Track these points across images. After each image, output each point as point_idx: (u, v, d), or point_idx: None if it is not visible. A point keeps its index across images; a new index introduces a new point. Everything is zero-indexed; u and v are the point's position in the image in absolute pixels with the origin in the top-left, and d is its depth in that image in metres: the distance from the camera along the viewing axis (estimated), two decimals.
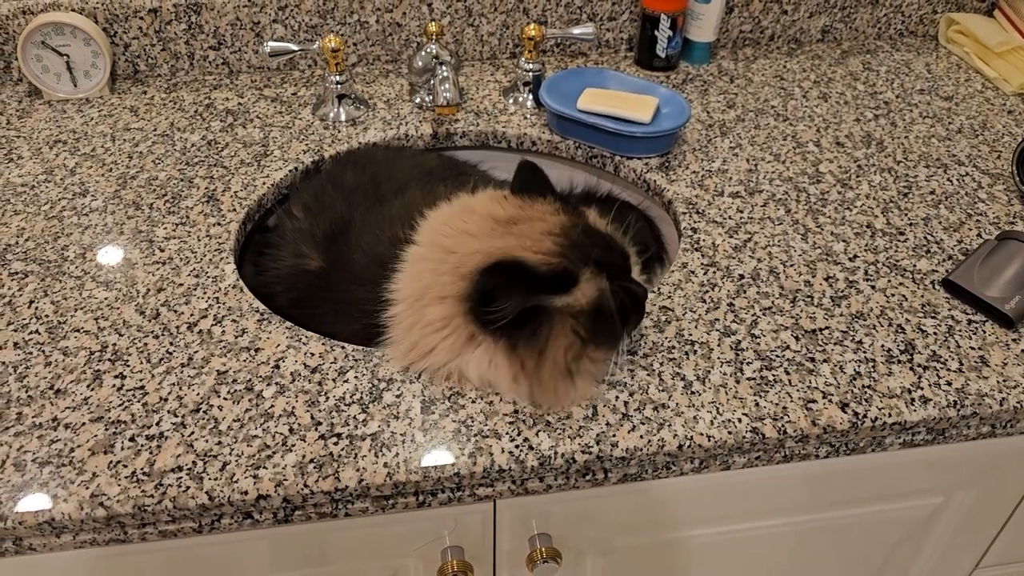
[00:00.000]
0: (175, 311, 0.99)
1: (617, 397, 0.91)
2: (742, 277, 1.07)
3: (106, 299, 1.00)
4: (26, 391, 0.89)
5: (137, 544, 0.84)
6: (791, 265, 1.10)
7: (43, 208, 1.14)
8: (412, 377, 0.92)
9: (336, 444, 0.86)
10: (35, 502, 0.79)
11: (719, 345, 0.98)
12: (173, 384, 0.91)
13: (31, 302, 1.00)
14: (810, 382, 0.94)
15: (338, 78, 1.32)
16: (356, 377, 0.92)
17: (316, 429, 0.87)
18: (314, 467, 0.83)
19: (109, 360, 0.93)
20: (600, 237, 0.90)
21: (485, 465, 0.84)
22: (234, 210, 1.14)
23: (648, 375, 0.94)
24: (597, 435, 0.87)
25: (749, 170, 1.27)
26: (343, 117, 1.33)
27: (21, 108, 1.35)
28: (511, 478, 0.87)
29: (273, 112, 1.35)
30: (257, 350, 0.95)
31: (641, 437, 0.87)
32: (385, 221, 1.02)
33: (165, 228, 1.11)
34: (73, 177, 1.19)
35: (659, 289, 1.05)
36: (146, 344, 0.95)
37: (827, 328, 1.01)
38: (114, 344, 0.95)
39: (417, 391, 0.91)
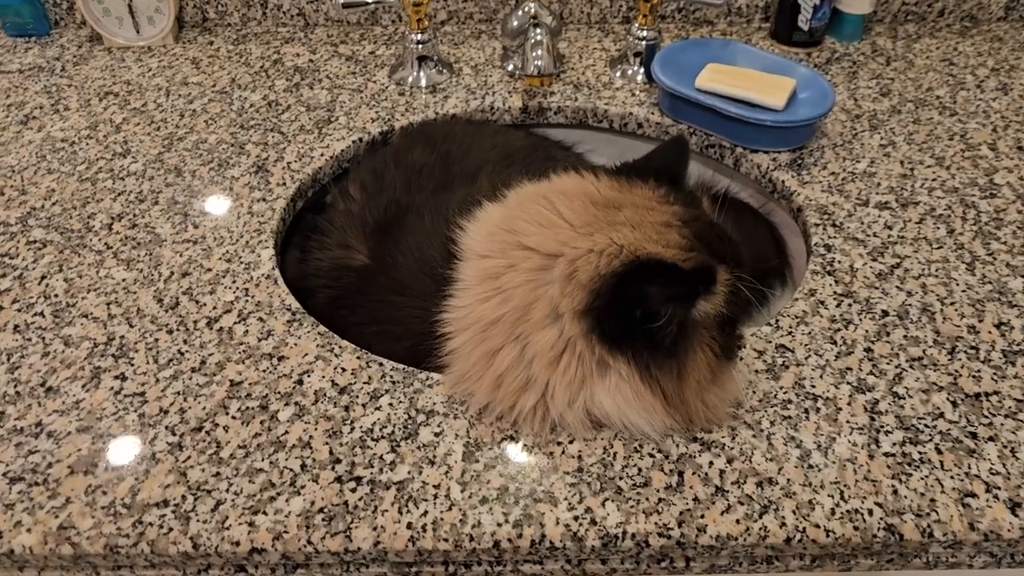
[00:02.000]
0: (196, 301, 0.85)
1: (711, 463, 0.72)
2: (885, 315, 0.85)
3: (124, 280, 0.87)
4: (15, 386, 0.77)
5: None
6: (951, 303, 0.86)
7: (78, 168, 1.02)
8: (458, 410, 0.75)
9: (354, 491, 0.70)
10: None
11: (850, 404, 0.76)
12: (178, 393, 0.77)
13: (43, 277, 0.88)
14: (969, 467, 0.72)
15: (419, 37, 1.15)
16: (391, 404, 0.76)
17: (333, 468, 0.71)
18: (323, 519, 0.68)
19: (112, 356, 0.80)
20: (722, 230, 0.73)
21: (534, 538, 0.67)
22: (284, 184, 0.99)
23: (754, 436, 0.74)
24: (681, 513, 0.68)
25: (903, 175, 1.02)
26: (423, 82, 1.16)
27: (79, 54, 1.24)
28: (565, 557, 0.69)
29: (345, 72, 1.19)
30: (281, 359, 0.80)
31: (738, 522, 0.68)
32: (441, 215, 0.85)
33: (204, 200, 0.97)
34: (117, 134, 1.07)
35: (777, 321, 0.84)
36: (157, 340, 0.82)
37: (996, 393, 0.78)
38: (122, 337, 0.82)
39: (462, 429, 0.74)
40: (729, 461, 0.72)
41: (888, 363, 0.80)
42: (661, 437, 0.73)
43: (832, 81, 1.19)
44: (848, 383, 0.78)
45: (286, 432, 0.74)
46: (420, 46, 1.15)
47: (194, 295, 0.86)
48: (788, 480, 0.71)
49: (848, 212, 0.97)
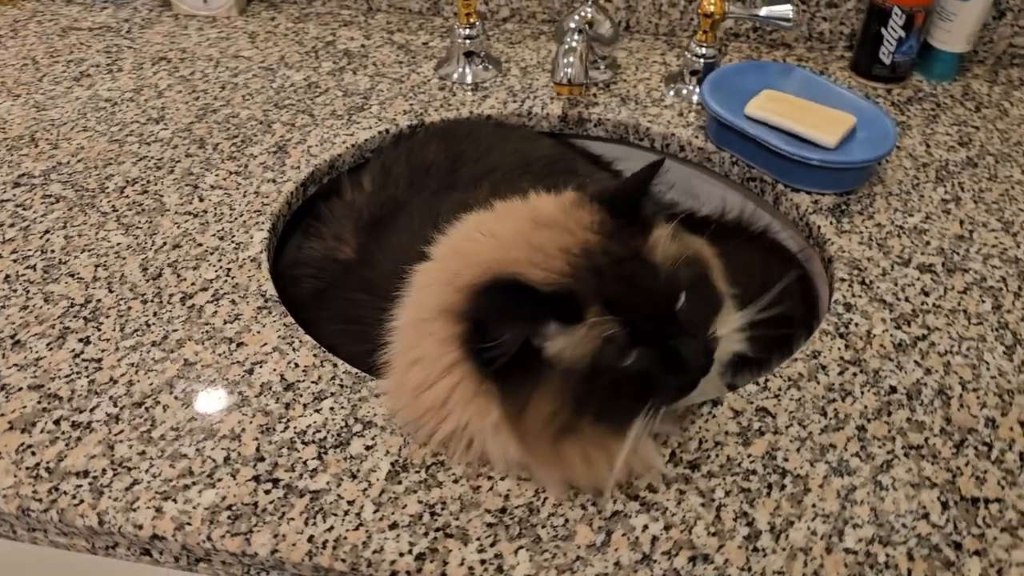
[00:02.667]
0: (178, 275, 0.86)
1: (646, 527, 0.66)
2: (893, 391, 0.76)
3: (118, 245, 0.89)
4: None
5: (30, 546, 0.72)
6: (975, 389, 0.76)
7: (112, 129, 1.04)
8: (396, 426, 0.72)
9: (268, 493, 0.68)
10: None
11: (822, 486, 0.68)
12: (132, 364, 0.77)
13: (46, 232, 0.90)
14: None
15: (467, 32, 1.11)
16: (332, 409, 0.74)
17: (255, 466, 0.69)
18: (229, 517, 0.66)
19: (84, 318, 0.81)
20: (635, 270, 0.64)
21: (433, 575, 0.63)
22: (298, 167, 0.99)
23: (702, 504, 0.67)
24: None
25: (959, 236, 0.91)
26: (468, 79, 1.13)
27: (148, 18, 1.28)
28: None
29: (392, 61, 1.18)
30: (239, 344, 0.79)
31: None
32: (430, 218, 0.81)
33: (217, 175, 0.98)
34: (157, 100, 1.09)
35: (766, 381, 0.77)
36: (129, 308, 0.82)
37: (999, 502, 0.68)
38: (98, 301, 0.83)
39: (395, 447, 0.71)
40: (666, 528, 0.66)
41: (880, 447, 0.72)
42: (527, 474, 0.69)
43: (906, 123, 1.07)
44: (827, 462, 0.70)
45: (221, 421, 0.73)
46: (467, 41, 1.12)
47: (178, 268, 0.86)
48: (726, 561, 0.64)
49: (883, 271, 0.87)
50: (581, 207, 0.68)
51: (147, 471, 0.69)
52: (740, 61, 1.10)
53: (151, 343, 0.79)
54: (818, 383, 0.77)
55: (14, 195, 0.95)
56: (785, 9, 1.04)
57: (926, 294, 0.85)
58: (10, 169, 0.98)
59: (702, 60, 1.09)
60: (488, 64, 1.14)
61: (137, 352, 0.78)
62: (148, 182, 0.96)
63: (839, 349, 0.80)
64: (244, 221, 0.92)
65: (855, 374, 0.77)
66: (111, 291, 0.84)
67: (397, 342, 0.72)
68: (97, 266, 0.87)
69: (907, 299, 0.85)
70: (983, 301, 0.84)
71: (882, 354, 0.79)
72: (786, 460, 0.71)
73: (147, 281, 0.85)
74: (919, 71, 1.16)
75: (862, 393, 0.76)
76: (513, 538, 0.65)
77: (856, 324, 0.82)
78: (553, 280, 0.62)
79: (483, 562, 0.64)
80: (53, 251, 0.88)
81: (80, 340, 0.79)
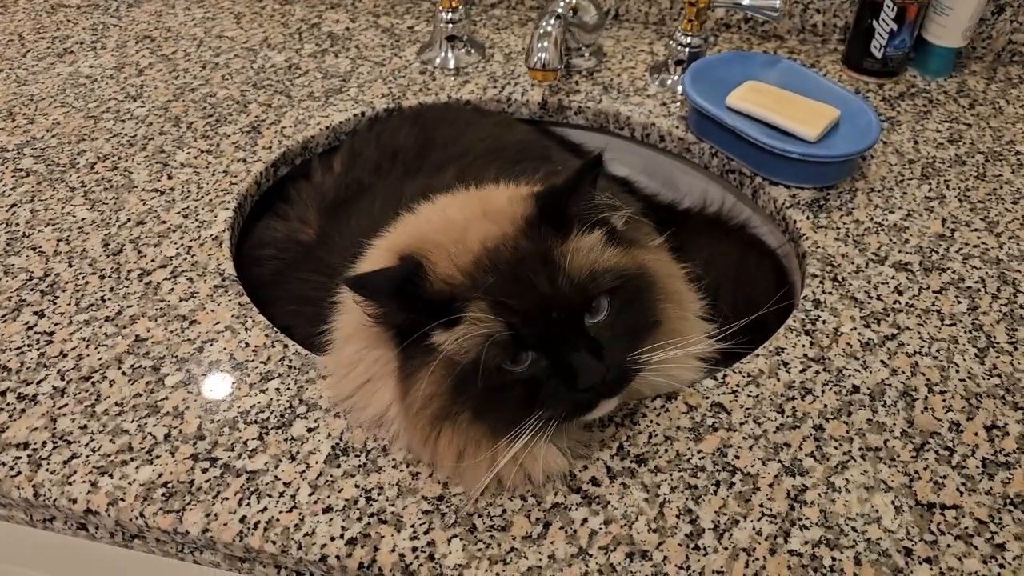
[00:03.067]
0: (139, 251, 0.85)
1: (585, 521, 0.64)
2: (855, 391, 0.74)
3: (82, 221, 0.88)
4: None
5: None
6: (942, 392, 0.74)
7: (89, 106, 1.04)
8: (345, 412, 0.71)
9: (205, 472, 0.67)
10: None
11: (772, 486, 0.67)
12: (83, 339, 0.77)
13: (13, 205, 0.90)
14: None
15: (449, 16, 1.10)
16: (278, 390, 0.73)
17: (194, 445, 0.69)
18: (163, 494, 0.65)
19: (41, 291, 0.81)
20: (535, 272, 0.62)
21: (363, 561, 0.62)
22: (269, 148, 0.98)
23: (646, 500, 0.65)
24: (528, 569, 0.61)
25: (940, 235, 0.89)
26: (451, 63, 1.11)
27: None
28: None
29: (375, 44, 1.16)
30: (192, 323, 0.78)
31: None
32: (392, 202, 0.80)
33: (188, 153, 0.97)
34: (137, 78, 1.09)
35: (724, 377, 0.75)
36: (87, 283, 0.82)
37: (956, 508, 0.65)
38: (57, 275, 0.83)
39: (337, 430, 0.70)
40: (606, 522, 0.64)
41: (836, 447, 0.69)
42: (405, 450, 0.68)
43: (895, 119, 1.05)
44: (779, 461, 0.68)
45: (166, 398, 0.72)
46: (450, 26, 1.10)
47: (139, 245, 0.86)
48: (665, 558, 0.62)
49: (857, 268, 0.85)
50: (522, 201, 0.66)
51: (87, 445, 0.68)
52: (722, 53, 1.08)
53: (105, 318, 0.79)
54: (778, 380, 0.75)
55: None
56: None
57: (900, 293, 0.83)
58: None
59: (687, 50, 1.07)
60: (471, 49, 1.13)
61: (90, 327, 0.78)
62: (119, 158, 0.96)
63: (803, 346, 0.78)
64: (210, 200, 0.91)
65: (818, 372, 0.75)
66: (71, 265, 0.84)
67: (339, 317, 0.71)
68: (59, 240, 0.86)
69: (879, 297, 0.82)
70: (959, 302, 0.82)
71: (848, 352, 0.77)
72: (737, 458, 0.69)
73: (107, 257, 0.84)
74: (914, 67, 1.13)
75: (823, 392, 0.74)
76: (448, 527, 0.64)
77: (824, 321, 0.80)
78: (450, 274, 0.62)
79: (415, 550, 0.62)
80: (18, 224, 0.88)
81: (35, 313, 0.79)
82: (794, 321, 0.80)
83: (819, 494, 0.66)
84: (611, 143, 1.09)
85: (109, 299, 0.80)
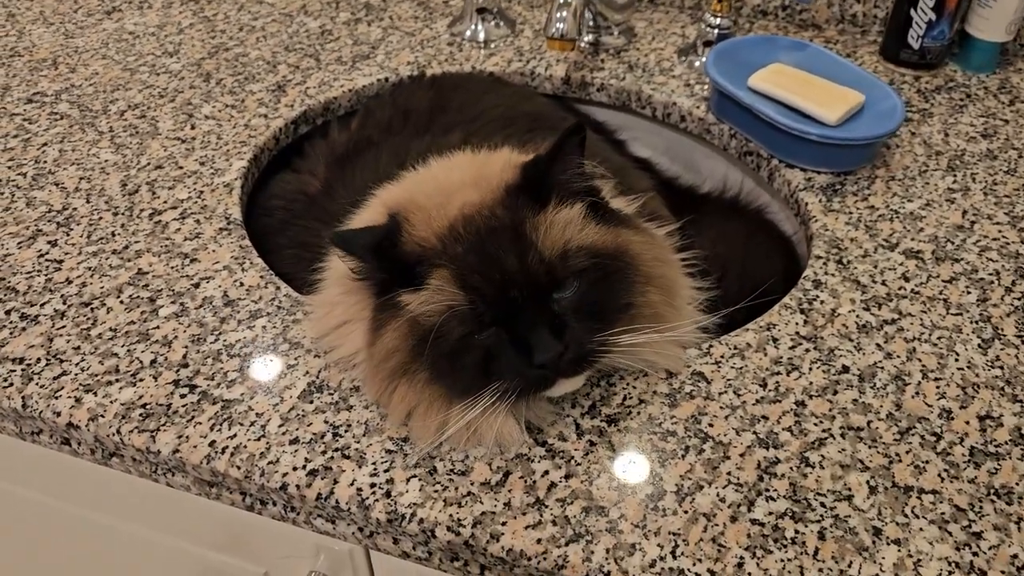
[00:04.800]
0: (154, 193, 0.88)
1: (546, 473, 0.64)
2: (844, 371, 0.71)
3: (105, 162, 0.92)
4: None
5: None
6: (937, 379, 0.71)
7: (128, 59, 1.08)
8: (323, 351, 0.72)
9: (183, 397, 0.69)
10: None
11: (743, 456, 0.65)
12: (89, 269, 0.80)
13: (44, 144, 0.94)
14: (849, 565, 0.59)
15: None
16: (264, 328, 0.74)
17: (177, 371, 0.71)
18: (141, 415, 0.68)
19: (56, 223, 0.85)
20: (502, 244, 0.62)
21: (321, 492, 0.63)
22: (291, 106, 1.00)
23: (610, 459, 0.65)
24: (482, 514, 0.61)
25: (958, 226, 0.85)
26: (480, 36, 1.12)
27: None
28: (354, 523, 0.64)
29: (409, 16, 1.18)
30: (193, 260, 0.81)
31: (539, 542, 0.60)
32: (396, 159, 0.81)
33: (214, 106, 1.00)
34: (176, 36, 1.13)
35: (710, 348, 0.73)
36: (100, 219, 0.85)
37: (934, 493, 0.63)
38: (74, 210, 0.86)
39: (314, 368, 0.71)
40: (567, 476, 0.64)
41: (816, 424, 0.67)
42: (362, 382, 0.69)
43: (927, 111, 1.01)
44: (754, 433, 0.67)
45: (157, 327, 0.74)
46: None
47: (155, 187, 0.89)
48: (621, 515, 0.61)
49: (864, 252, 0.82)
50: (512, 169, 0.66)
51: (77, 364, 0.71)
52: (749, 36, 1.06)
53: (112, 251, 0.81)
54: (765, 355, 0.73)
55: (25, 110, 1.00)
56: None
57: (906, 279, 0.80)
58: (27, 87, 1.03)
59: (716, 31, 1.06)
60: (501, 22, 1.14)
61: (97, 258, 0.81)
62: (148, 108, 1.00)
63: (797, 324, 0.76)
64: (227, 151, 0.93)
65: (808, 350, 0.73)
66: (88, 202, 0.87)
67: (330, 261, 0.72)
68: (81, 178, 0.90)
69: (884, 283, 0.79)
70: (968, 292, 0.79)
71: (842, 334, 0.75)
72: (711, 426, 0.67)
73: (124, 196, 0.88)
74: (956, 61, 1.09)
75: (810, 369, 0.72)
76: (408, 467, 0.64)
77: (822, 302, 0.78)
78: (424, 237, 0.62)
79: (373, 486, 0.63)
80: (46, 162, 0.92)
81: (48, 243, 0.82)
82: (790, 299, 0.78)
83: (791, 467, 0.64)
84: (633, 123, 1.09)
85: (119, 234, 0.83)
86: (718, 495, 0.63)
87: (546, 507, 0.62)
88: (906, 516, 0.62)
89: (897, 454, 0.66)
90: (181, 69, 1.06)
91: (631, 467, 0.64)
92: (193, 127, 0.97)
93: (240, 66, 1.07)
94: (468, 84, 1.01)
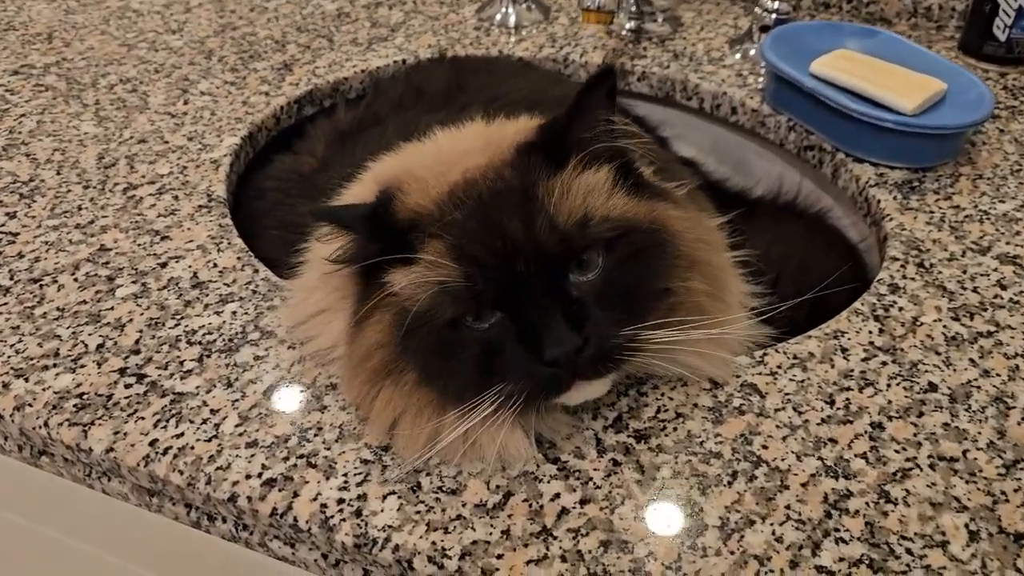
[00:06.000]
0: (132, 167, 0.78)
1: (557, 496, 0.51)
2: (931, 389, 0.58)
3: (85, 134, 0.83)
4: None
5: None
6: None
7: (128, 36, 1.00)
8: (297, 341, 0.61)
9: (128, 388, 0.58)
10: None
11: (805, 486, 0.52)
12: (46, 243, 0.70)
13: (22, 115, 0.86)
14: None
15: None
16: (234, 313, 0.63)
17: (126, 358, 0.60)
18: (75, 406, 0.57)
19: (20, 195, 0.75)
20: (507, 210, 0.50)
21: (278, 506, 0.51)
22: (295, 85, 0.91)
23: (639, 482, 0.52)
24: (473, 543, 0.49)
25: None
26: (511, 21, 1.03)
27: None
28: (316, 547, 0.52)
29: (435, 1, 1.09)
30: (164, 238, 0.70)
31: None
32: (402, 133, 0.70)
33: (212, 83, 0.91)
34: (183, 15, 1.05)
35: (764, 356, 0.60)
36: (68, 191, 0.76)
37: None
38: (41, 181, 0.77)
39: (287, 361, 0.60)
40: (583, 502, 0.51)
41: (899, 451, 0.54)
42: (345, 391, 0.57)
43: (1017, 108, 0.88)
44: (820, 458, 0.53)
45: (112, 308, 0.64)
46: None
47: (134, 161, 0.79)
48: (650, 553, 0.48)
49: (951, 255, 0.69)
50: (527, 131, 0.55)
51: (13, 346, 0.61)
52: (813, 21, 0.94)
53: (75, 225, 0.72)
54: (832, 367, 0.60)
55: (8, 82, 0.91)
56: None
57: (1003, 287, 0.66)
58: (16, 59, 0.95)
59: (774, 16, 0.94)
60: (533, 6, 1.04)
61: (57, 232, 0.71)
62: (141, 82, 0.91)
63: (870, 332, 0.62)
64: (220, 127, 0.84)
65: (885, 363, 0.60)
66: (59, 174, 0.78)
67: (314, 241, 0.61)
68: (55, 150, 0.81)
69: (975, 290, 0.66)
70: None
71: (927, 346, 0.61)
72: (765, 448, 0.54)
73: (98, 169, 0.78)
74: None
75: (888, 386, 0.58)
76: (387, 481, 0.52)
77: (900, 308, 0.64)
78: (419, 204, 0.52)
79: (340, 501, 0.51)
80: (20, 132, 0.83)
81: (7, 214, 0.73)
82: (862, 304, 0.65)
83: (867, 503, 0.51)
84: (676, 118, 0.97)
85: (86, 208, 0.73)
86: (774, 533, 0.49)
87: (554, 538, 0.49)
88: (1019, 571, 0.48)
89: (1003, 492, 0.52)
90: (183, 46, 0.98)
91: (664, 494, 0.51)
92: (186, 102, 0.87)
93: (246, 44, 0.98)
94: (492, 67, 0.90)
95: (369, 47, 0.98)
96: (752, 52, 0.96)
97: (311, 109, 0.92)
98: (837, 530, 0.50)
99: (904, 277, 0.67)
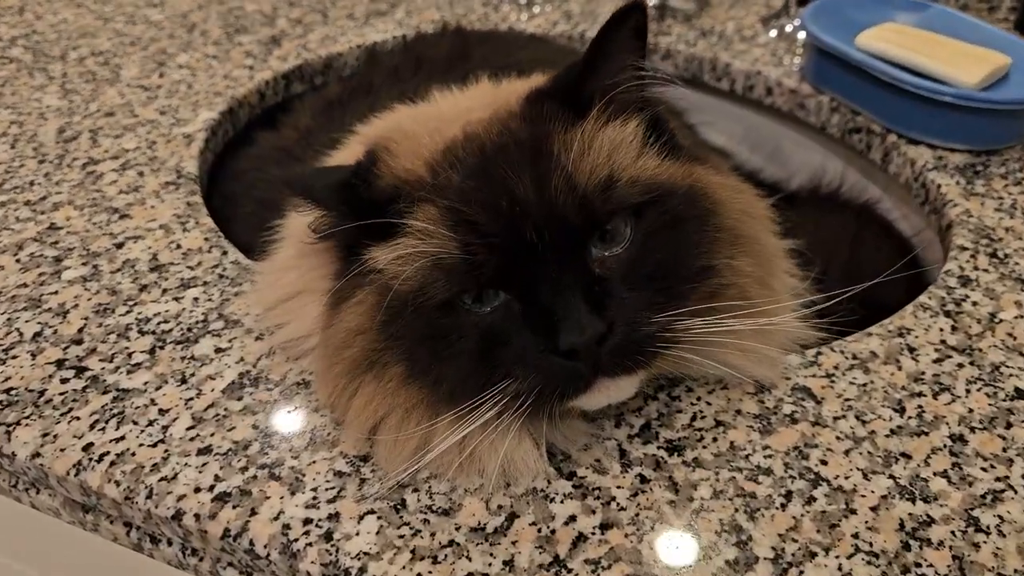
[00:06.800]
0: (95, 141, 0.70)
1: (572, 519, 0.42)
2: (1019, 396, 0.48)
3: (47, 107, 0.75)
4: None
5: None
6: None
7: (106, 11, 0.92)
8: (266, 330, 0.52)
9: (64, 383, 0.49)
10: None
11: (876, 510, 0.42)
12: None
13: None
14: None
15: None
16: (196, 299, 0.54)
17: (65, 349, 0.51)
18: (1, 402, 0.48)
19: None
20: (514, 167, 0.41)
21: (231, 527, 0.41)
22: (284, 59, 0.82)
23: (672, 503, 0.42)
24: (468, 575, 0.39)
25: None
26: None
27: None
28: (273, 574, 0.42)
29: None
30: (123, 216, 0.62)
31: None
32: (394, 99, 0.61)
33: (192, 55, 0.83)
34: None
35: (817, 355, 0.51)
36: (22, 165, 0.67)
37: None
38: None
39: (252, 354, 0.50)
40: (604, 527, 0.41)
41: (987, 470, 0.44)
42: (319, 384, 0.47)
43: None
44: (892, 476, 0.44)
45: (56, 292, 0.55)
46: None
47: (98, 135, 0.71)
48: None
49: None
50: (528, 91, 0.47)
51: None
52: None
53: (25, 202, 0.63)
54: (898, 368, 0.50)
55: None
56: None
57: None
58: None
59: None
60: None
61: (3, 208, 0.62)
62: (114, 55, 0.83)
63: (941, 330, 0.53)
64: (196, 101, 0.75)
65: (961, 365, 0.51)
66: (13, 147, 0.69)
67: (289, 216, 0.52)
68: (12, 123, 0.73)
69: None
70: None
71: (1009, 346, 0.52)
72: (824, 463, 0.45)
73: (58, 143, 0.70)
74: None
75: (967, 392, 0.49)
76: (366, 498, 0.43)
77: (974, 303, 0.55)
78: (408, 167, 0.43)
79: (307, 522, 0.41)
80: None
81: None
82: (929, 298, 0.56)
83: (953, 532, 0.41)
84: (705, 103, 0.88)
85: (39, 184, 0.65)
86: (840, 568, 0.40)
87: (569, 570, 0.40)
88: None
89: None
90: (163, 20, 0.90)
91: (703, 517, 0.42)
92: (162, 75, 0.79)
93: (232, 18, 0.90)
94: (498, 39, 0.82)
95: (366, 22, 0.90)
96: (788, 29, 0.88)
97: (300, 86, 0.83)
98: (919, 564, 0.40)
99: (976, 268, 0.58)
